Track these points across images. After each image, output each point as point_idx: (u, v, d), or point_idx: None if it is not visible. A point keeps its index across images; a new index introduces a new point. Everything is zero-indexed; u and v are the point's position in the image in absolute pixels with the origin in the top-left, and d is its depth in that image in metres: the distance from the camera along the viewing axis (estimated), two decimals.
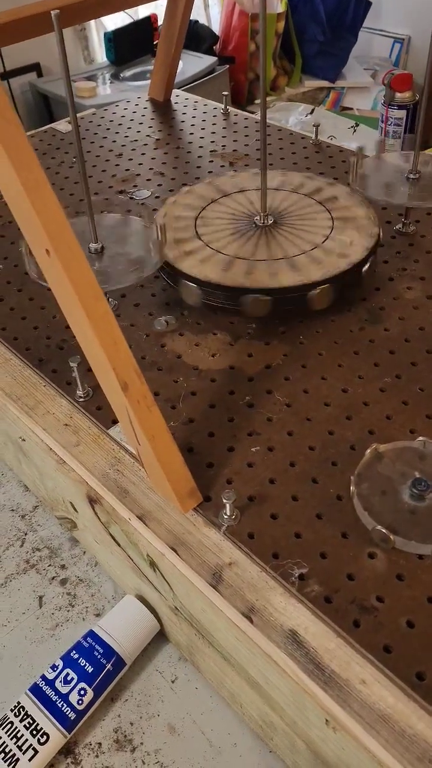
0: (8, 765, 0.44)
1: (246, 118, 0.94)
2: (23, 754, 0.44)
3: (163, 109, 0.99)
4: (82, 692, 0.47)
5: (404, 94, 1.69)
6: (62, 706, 0.46)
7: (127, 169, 0.84)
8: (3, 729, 0.46)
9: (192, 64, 1.96)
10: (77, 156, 0.51)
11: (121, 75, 1.96)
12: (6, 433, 0.59)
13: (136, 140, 0.90)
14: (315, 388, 0.53)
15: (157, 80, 1.00)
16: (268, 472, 0.47)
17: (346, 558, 0.41)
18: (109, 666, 0.48)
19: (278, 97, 2.16)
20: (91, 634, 0.50)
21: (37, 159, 0.37)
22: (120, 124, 0.95)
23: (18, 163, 0.36)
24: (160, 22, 2.13)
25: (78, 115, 1.00)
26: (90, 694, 0.47)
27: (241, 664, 0.42)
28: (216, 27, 2.23)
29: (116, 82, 1.93)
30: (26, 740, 0.45)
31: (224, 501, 0.42)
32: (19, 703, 0.47)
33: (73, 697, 0.47)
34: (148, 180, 0.81)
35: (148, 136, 0.91)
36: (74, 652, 0.49)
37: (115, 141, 0.91)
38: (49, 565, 0.58)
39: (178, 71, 1.93)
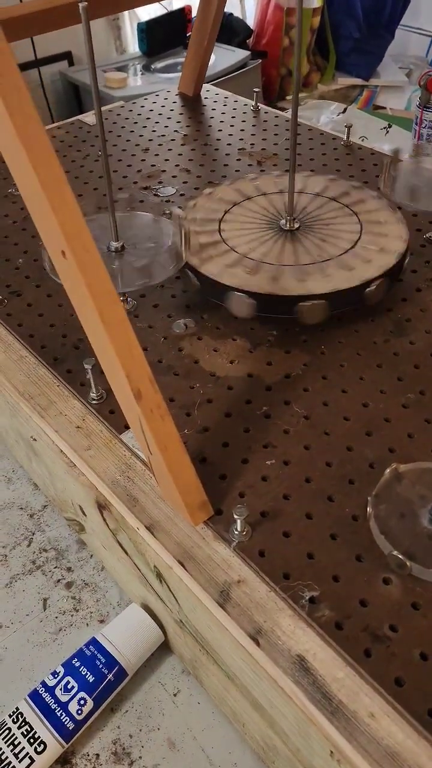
0: None
1: (276, 116, 0.92)
2: (19, 762, 0.44)
3: (192, 103, 0.97)
4: (82, 702, 0.46)
5: None
6: (61, 715, 0.45)
7: (153, 165, 0.82)
8: (0, 735, 0.45)
9: (224, 57, 1.94)
10: (101, 152, 0.50)
11: (153, 66, 1.95)
12: (18, 431, 0.58)
13: (163, 135, 0.89)
14: (335, 401, 0.51)
15: (187, 74, 0.99)
16: (282, 488, 0.45)
17: (359, 583, 0.40)
18: (110, 676, 0.47)
19: (310, 93, 2.13)
20: (94, 641, 0.49)
21: (56, 157, 0.35)
22: (148, 118, 0.94)
23: (36, 160, 0.35)
24: (194, 14, 2.11)
25: (106, 107, 0.98)
26: (90, 704, 0.46)
27: (245, 685, 0.40)
28: (251, 21, 2.20)
29: (147, 73, 1.92)
30: (23, 748, 0.44)
31: (235, 517, 0.41)
32: (17, 709, 0.46)
33: (73, 707, 0.46)
34: (174, 177, 0.79)
35: (175, 131, 0.90)
36: (76, 659, 0.48)
37: (142, 135, 0.89)
38: (56, 567, 0.58)
39: (210, 63, 1.91)
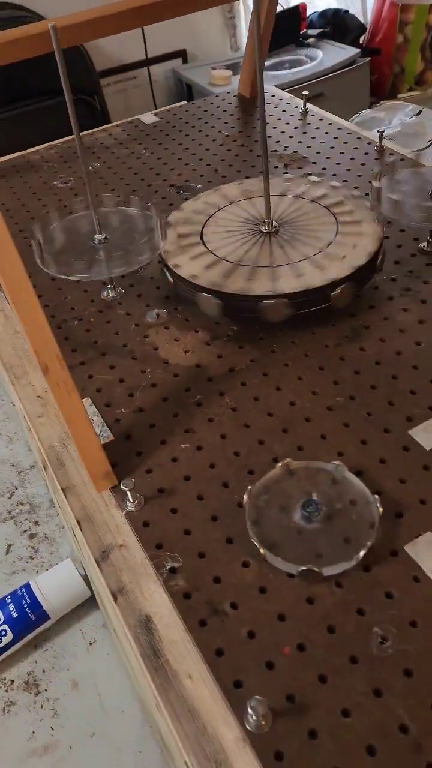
0: None
1: (321, 119, 0.93)
2: None
3: (246, 105, 1.01)
4: (3, 633, 0.53)
5: None
6: None
7: (187, 164, 0.87)
8: None
9: (333, 54, 1.94)
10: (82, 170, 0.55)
11: None
12: (9, 396, 0.66)
13: (207, 135, 0.93)
14: (265, 397, 0.54)
15: (244, 77, 1.02)
16: (186, 469, 0.49)
17: (221, 562, 0.43)
18: (32, 616, 0.54)
19: (423, 92, 2.07)
20: (27, 585, 0.56)
21: None
22: (199, 119, 0.98)
23: None
24: (309, 12, 2.12)
25: (169, 107, 1.05)
26: (9, 635, 0.53)
27: (119, 638, 0.45)
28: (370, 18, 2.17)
29: None
30: None
31: (123, 488, 0.46)
32: None
33: None
34: (201, 176, 0.84)
35: (219, 131, 0.94)
36: (8, 597, 0.55)
37: (188, 135, 0.94)
38: (26, 519, 0.65)
39: (317, 61, 1.92)
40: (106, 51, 1.90)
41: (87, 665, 0.53)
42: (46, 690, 0.52)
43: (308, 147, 0.87)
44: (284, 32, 2.03)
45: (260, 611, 0.40)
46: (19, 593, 0.55)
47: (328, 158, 0.84)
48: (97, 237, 0.62)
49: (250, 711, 0.35)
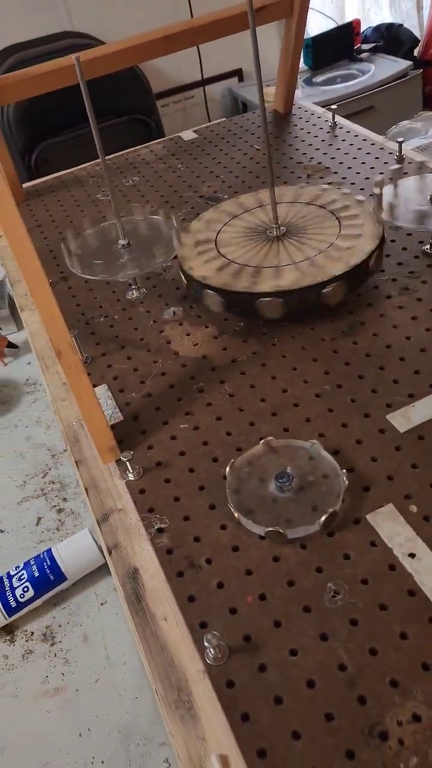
0: None
1: (348, 131, 0.98)
2: None
3: (280, 120, 1.07)
4: (26, 589, 0.60)
5: None
6: (8, 595, 0.60)
7: (218, 176, 0.94)
8: None
9: (385, 67, 1.96)
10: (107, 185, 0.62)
11: (314, 80, 2.04)
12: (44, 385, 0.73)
13: (239, 150, 1.00)
14: (261, 385, 0.59)
15: (280, 92, 1.08)
16: (183, 446, 0.55)
17: (202, 525, 0.48)
18: (51, 576, 0.61)
19: None
20: (48, 551, 0.63)
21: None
22: (235, 134, 1.05)
23: None
24: (363, 27, 2.15)
25: (208, 123, 1.12)
26: (31, 592, 0.60)
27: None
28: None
29: (307, 87, 2.01)
30: None
31: (122, 458, 0.52)
32: None
33: (18, 592, 0.60)
34: (229, 187, 0.90)
35: (251, 146, 1.00)
36: (32, 560, 0.62)
37: (221, 150, 1.01)
38: (56, 496, 0.73)
39: (368, 74, 1.95)
40: (165, 73, 2.00)
41: (98, 622, 0.60)
42: (60, 642, 0.59)
43: (332, 158, 0.92)
44: (338, 48, 2.07)
45: (231, 566, 0.45)
46: (41, 557, 0.62)
47: (349, 168, 0.88)
48: (121, 242, 0.69)
49: (206, 643, 0.40)
